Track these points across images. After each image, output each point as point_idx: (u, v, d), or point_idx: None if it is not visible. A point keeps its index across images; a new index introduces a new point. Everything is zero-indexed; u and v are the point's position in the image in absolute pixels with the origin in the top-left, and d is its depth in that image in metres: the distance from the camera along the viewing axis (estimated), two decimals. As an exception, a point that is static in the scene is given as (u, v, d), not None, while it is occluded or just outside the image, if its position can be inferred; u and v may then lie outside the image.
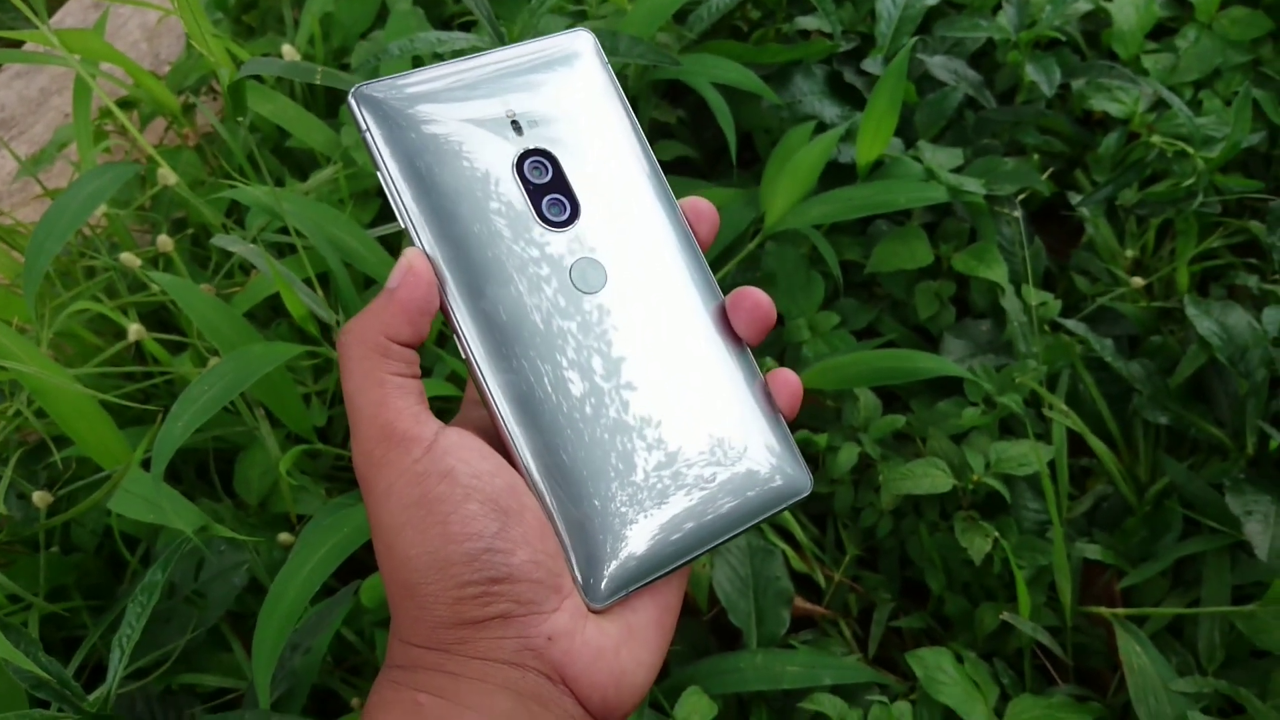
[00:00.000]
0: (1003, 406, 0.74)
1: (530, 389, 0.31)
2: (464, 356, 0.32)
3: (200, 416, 0.59)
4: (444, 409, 0.68)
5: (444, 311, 0.32)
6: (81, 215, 0.69)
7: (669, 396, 0.33)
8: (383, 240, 0.75)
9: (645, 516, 0.32)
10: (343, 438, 0.79)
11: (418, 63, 0.89)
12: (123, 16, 1.29)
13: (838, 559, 0.76)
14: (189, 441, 0.63)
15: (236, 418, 0.74)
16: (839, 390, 0.77)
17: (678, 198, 0.36)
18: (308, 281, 0.73)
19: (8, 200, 1.06)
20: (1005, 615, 0.67)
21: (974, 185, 0.80)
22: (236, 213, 0.91)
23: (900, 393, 0.83)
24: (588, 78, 0.35)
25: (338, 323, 0.71)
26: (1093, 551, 0.72)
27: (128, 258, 0.73)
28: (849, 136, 0.86)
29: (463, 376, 0.74)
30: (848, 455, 0.74)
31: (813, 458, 0.77)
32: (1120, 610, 0.69)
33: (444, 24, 1.02)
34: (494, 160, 0.33)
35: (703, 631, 0.73)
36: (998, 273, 0.81)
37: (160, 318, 0.86)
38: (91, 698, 0.53)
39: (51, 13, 1.31)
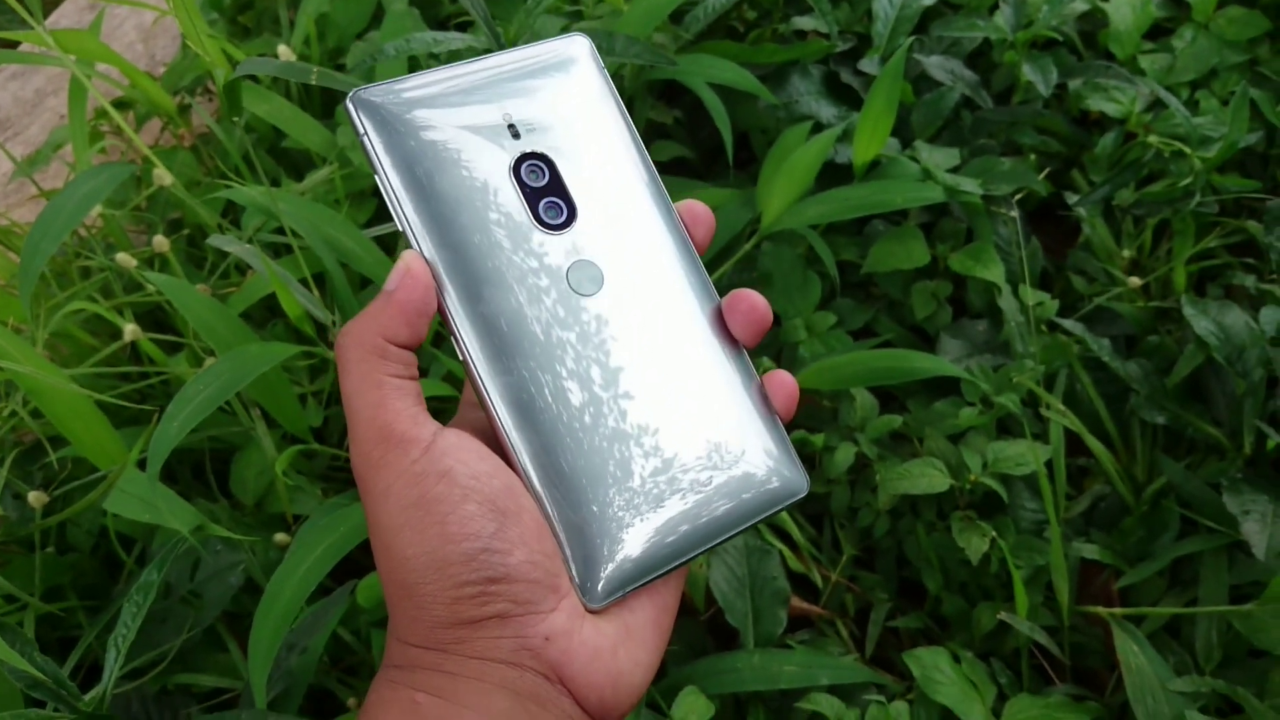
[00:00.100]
0: (1000, 406, 0.74)
1: (528, 392, 0.31)
2: (462, 359, 0.32)
3: (196, 416, 0.59)
4: (440, 409, 0.67)
5: (442, 314, 0.32)
6: (77, 216, 0.69)
7: (665, 399, 0.33)
8: (379, 240, 0.75)
9: (641, 519, 0.32)
10: (339, 438, 0.79)
11: (414, 63, 0.89)
12: (118, 17, 1.29)
13: (835, 559, 0.76)
14: (185, 442, 0.63)
15: (232, 418, 0.74)
16: (836, 390, 0.77)
17: (674, 198, 0.36)
18: (304, 282, 0.73)
19: (3, 201, 1.06)
20: (1003, 615, 0.67)
21: (971, 185, 0.80)
22: (232, 213, 0.90)
23: (897, 393, 0.83)
24: (584, 83, 0.35)
25: (334, 323, 0.71)
26: (1090, 551, 0.72)
27: (123, 258, 0.73)
28: (845, 136, 0.86)
29: (459, 377, 0.74)
30: (844, 455, 0.74)
31: (809, 458, 0.77)
32: (1118, 610, 0.69)
33: (440, 24, 1.02)
34: (491, 165, 0.33)
35: (700, 631, 0.73)
36: (995, 273, 0.81)
37: (156, 318, 0.86)
38: (87, 698, 0.52)
39: (47, 13, 1.31)
